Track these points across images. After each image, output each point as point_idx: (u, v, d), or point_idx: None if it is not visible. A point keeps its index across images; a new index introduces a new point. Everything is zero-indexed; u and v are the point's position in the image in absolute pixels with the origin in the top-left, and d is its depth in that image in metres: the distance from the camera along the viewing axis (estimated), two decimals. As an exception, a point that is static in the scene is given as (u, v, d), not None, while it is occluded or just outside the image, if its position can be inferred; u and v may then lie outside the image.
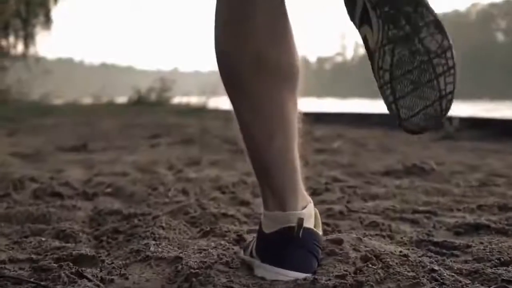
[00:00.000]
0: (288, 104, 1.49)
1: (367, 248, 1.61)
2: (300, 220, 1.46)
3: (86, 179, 3.16)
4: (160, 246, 1.69)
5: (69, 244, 1.78)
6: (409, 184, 2.99)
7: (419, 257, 1.63)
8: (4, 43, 19.50)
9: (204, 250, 1.67)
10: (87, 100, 18.88)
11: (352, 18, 1.43)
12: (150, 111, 12.76)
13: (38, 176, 3.22)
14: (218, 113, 11.81)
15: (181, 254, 1.62)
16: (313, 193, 2.66)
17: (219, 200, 2.53)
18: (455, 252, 1.72)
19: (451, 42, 1.36)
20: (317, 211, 1.56)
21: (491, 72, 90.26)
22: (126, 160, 4.56)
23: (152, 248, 1.66)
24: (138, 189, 2.79)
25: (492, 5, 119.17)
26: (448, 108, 1.38)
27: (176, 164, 4.12)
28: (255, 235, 1.74)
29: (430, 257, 1.65)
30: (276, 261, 1.46)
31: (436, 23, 1.35)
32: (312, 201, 1.55)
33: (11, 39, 19.49)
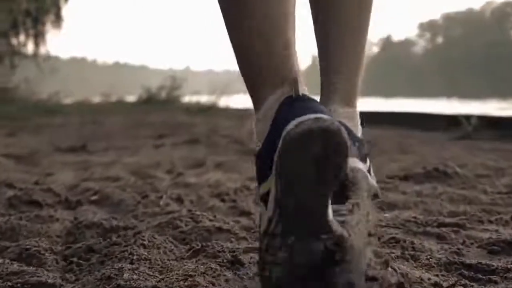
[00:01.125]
0: None
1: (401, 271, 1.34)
2: (295, 79, 1.21)
3: (73, 184, 2.86)
4: (136, 271, 1.39)
5: (30, 268, 1.48)
6: (431, 190, 2.65)
7: (452, 286, 1.33)
8: (14, 41, 19.38)
9: (190, 276, 1.37)
10: (97, 99, 18.71)
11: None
12: (159, 110, 12.50)
13: (22, 180, 2.94)
14: (228, 112, 11.55)
15: (160, 283, 1.32)
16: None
17: (217, 210, 2.21)
18: (493, 277, 1.42)
19: None
20: None
21: (505, 71, 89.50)
22: (126, 161, 4.29)
23: (126, 275, 1.36)
24: (127, 197, 2.47)
25: (507, 4, 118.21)
26: None
27: (177, 166, 3.84)
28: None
29: (464, 286, 1.35)
30: (284, 126, 1.12)
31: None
32: None
33: (22, 37, 19.38)
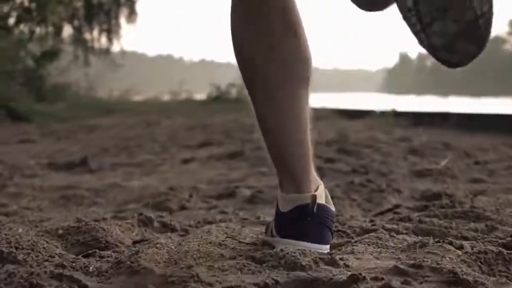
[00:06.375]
0: (302, 97, 1.55)
1: None
2: (314, 197, 1.55)
3: None
4: None
5: None
6: None
7: None
8: (88, 36, 18.84)
9: None
10: (166, 97, 17.95)
11: None
12: (225, 109, 11.28)
13: None
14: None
15: None
16: None
17: None
18: None
19: None
20: (326, 191, 1.62)
21: None
22: (128, 185, 3.11)
23: None
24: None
25: None
26: (487, 30, 1.24)
27: (184, 200, 2.58)
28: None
29: None
30: (295, 235, 1.53)
31: None
32: (322, 183, 1.62)
33: (95, 32, 18.83)
